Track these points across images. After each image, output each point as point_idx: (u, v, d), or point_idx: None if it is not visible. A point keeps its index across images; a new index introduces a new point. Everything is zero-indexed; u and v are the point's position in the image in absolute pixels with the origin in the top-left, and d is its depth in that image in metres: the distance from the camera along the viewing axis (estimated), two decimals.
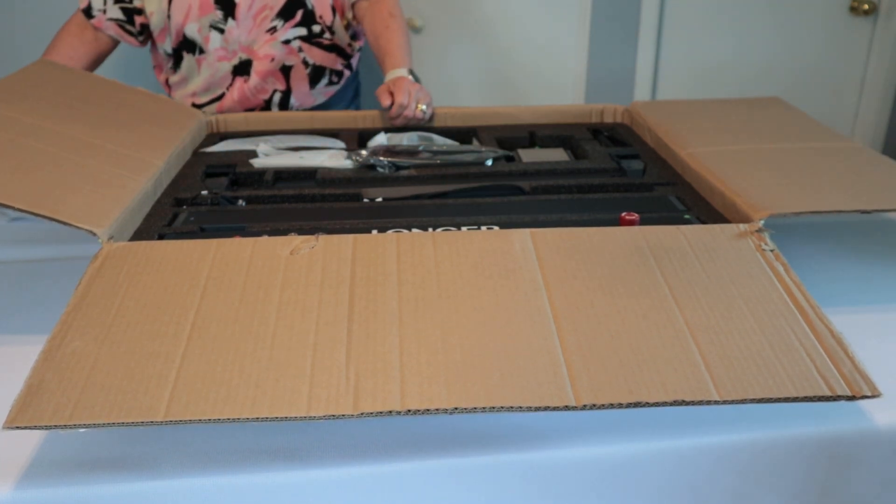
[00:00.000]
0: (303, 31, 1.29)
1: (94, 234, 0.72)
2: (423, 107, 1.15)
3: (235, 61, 1.30)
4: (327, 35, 1.32)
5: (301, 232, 0.78)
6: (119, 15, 1.27)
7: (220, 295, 0.64)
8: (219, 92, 1.33)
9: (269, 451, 0.60)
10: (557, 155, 1.07)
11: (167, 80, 1.38)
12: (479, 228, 0.79)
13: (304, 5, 1.27)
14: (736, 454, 0.62)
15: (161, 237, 0.79)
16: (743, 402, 0.55)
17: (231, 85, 1.32)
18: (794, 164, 0.90)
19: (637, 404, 0.54)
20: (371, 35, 1.29)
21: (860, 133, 2.25)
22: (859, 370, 0.57)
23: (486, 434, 0.62)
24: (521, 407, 0.54)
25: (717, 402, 0.55)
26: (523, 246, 0.70)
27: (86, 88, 1.06)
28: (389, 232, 0.76)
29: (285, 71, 1.32)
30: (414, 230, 0.78)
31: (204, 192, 0.91)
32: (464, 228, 0.79)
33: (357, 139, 1.13)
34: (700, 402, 0.55)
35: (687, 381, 0.56)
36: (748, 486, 0.63)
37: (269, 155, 1.04)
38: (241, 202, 0.90)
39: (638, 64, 2.15)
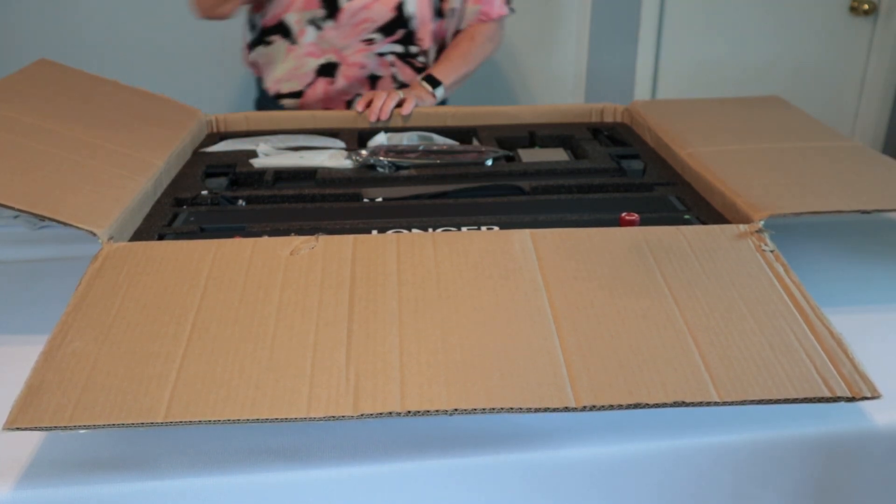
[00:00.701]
0: (399, 49, 1.29)
1: (94, 235, 0.72)
2: (392, 104, 1.15)
3: (322, 60, 1.29)
4: (422, 58, 1.31)
5: (301, 232, 0.78)
6: None
7: (220, 295, 0.64)
8: (298, 87, 1.32)
9: (269, 451, 0.60)
10: (557, 155, 1.07)
11: (255, 62, 1.35)
12: (479, 228, 0.79)
13: (406, 26, 1.26)
14: (736, 454, 0.62)
15: (161, 237, 0.79)
16: (743, 403, 0.55)
17: (312, 84, 1.31)
18: (795, 164, 0.90)
19: (637, 405, 0.54)
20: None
21: (860, 133, 2.25)
22: (859, 371, 0.57)
23: (487, 434, 0.62)
24: (520, 408, 0.54)
25: (716, 404, 0.55)
26: (523, 246, 0.70)
27: (86, 88, 1.06)
28: (389, 232, 0.76)
29: (373, 79, 1.31)
30: (414, 230, 0.78)
31: (204, 192, 0.91)
32: (464, 228, 0.79)
33: (357, 139, 1.13)
34: (700, 404, 0.55)
35: (687, 381, 0.56)
36: (748, 486, 0.63)
37: (269, 155, 1.04)
38: (241, 202, 0.90)
39: (638, 64, 2.15)
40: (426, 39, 1.29)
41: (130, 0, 1.95)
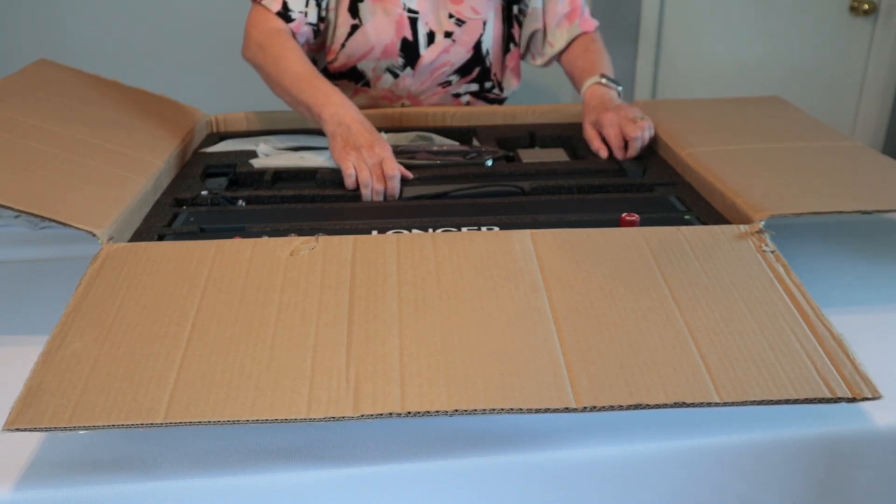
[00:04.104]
0: (475, 87, 1.26)
1: (94, 235, 0.72)
2: (640, 116, 1.02)
3: (398, 106, 1.25)
4: (496, 90, 1.28)
5: (301, 232, 0.78)
6: (314, 18, 1.12)
7: (220, 296, 0.64)
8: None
9: (269, 452, 0.60)
10: (557, 155, 1.07)
11: None
12: (479, 229, 0.79)
13: (482, 63, 1.22)
14: (736, 455, 0.62)
15: (161, 238, 0.79)
16: (743, 404, 0.55)
17: None
18: (795, 164, 0.90)
19: (637, 406, 0.54)
20: (568, 64, 1.21)
21: (860, 133, 2.25)
22: (860, 372, 0.57)
23: (487, 435, 0.62)
24: (521, 409, 0.54)
25: (717, 404, 0.55)
26: (523, 247, 0.70)
27: (86, 88, 1.06)
28: (389, 233, 0.76)
29: None
30: (414, 231, 0.78)
31: (204, 193, 0.91)
32: (464, 229, 0.79)
33: None
34: (700, 404, 0.55)
35: (687, 382, 0.56)
36: (748, 487, 0.63)
37: (269, 155, 1.04)
38: (240, 202, 0.90)
39: (638, 64, 2.15)
40: (499, 73, 1.26)
41: (130, 0, 1.95)
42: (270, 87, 1.05)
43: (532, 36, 1.23)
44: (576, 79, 1.18)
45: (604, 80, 1.10)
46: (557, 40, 1.20)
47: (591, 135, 1.05)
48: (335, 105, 0.95)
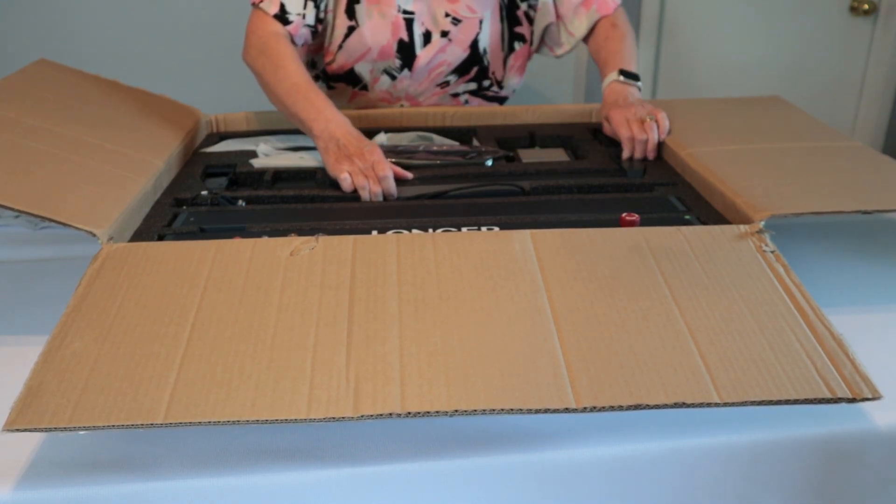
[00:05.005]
0: (473, 86, 1.25)
1: (94, 235, 0.72)
2: (648, 117, 1.03)
3: (396, 107, 1.24)
4: (494, 88, 1.27)
5: (301, 232, 0.78)
6: (312, 20, 1.11)
7: (220, 296, 0.64)
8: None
9: (269, 452, 0.60)
10: (557, 155, 1.07)
11: None
12: (479, 229, 0.79)
13: (480, 62, 1.22)
14: (736, 455, 0.62)
15: (161, 238, 0.79)
16: (743, 404, 0.55)
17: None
18: (795, 164, 0.90)
19: (637, 406, 0.54)
20: (594, 53, 1.21)
21: (860, 133, 2.25)
22: (860, 372, 0.57)
23: (487, 435, 0.61)
24: (521, 409, 0.54)
25: (717, 405, 0.55)
26: (523, 247, 0.70)
27: (86, 88, 1.06)
28: (389, 233, 0.76)
29: None
30: (414, 231, 0.78)
31: (204, 193, 0.91)
32: (464, 229, 0.79)
33: None
34: (700, 405, 0.55)
35: (687, 382, 0.56)
36: (748, 487, 0.63)
37: (269, 155, 1.04)
38: (240, 202, 0.90)
39: (638, 64, 2.15)
40: (498, 72, 1.25)
41: (130, 0, 1.95)
42: (267, 94, 1.05)
43: (546, 29, 1.23)
44: (600, 70, 1.19)
45: (622, 78, 1.11)
46: (578, 28, 1.21)
47: (609, 131, 1.08)
48: (325, 120, 0.96)
